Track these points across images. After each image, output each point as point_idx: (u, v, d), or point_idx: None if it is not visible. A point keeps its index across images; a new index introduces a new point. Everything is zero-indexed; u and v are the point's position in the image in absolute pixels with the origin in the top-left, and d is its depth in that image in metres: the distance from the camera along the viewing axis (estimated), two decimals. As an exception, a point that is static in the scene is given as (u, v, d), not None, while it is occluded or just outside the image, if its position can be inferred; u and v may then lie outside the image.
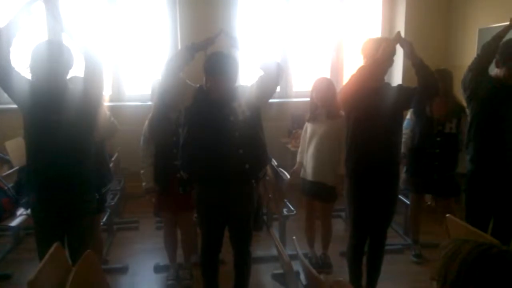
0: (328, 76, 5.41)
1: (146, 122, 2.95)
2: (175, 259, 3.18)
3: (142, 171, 2.93)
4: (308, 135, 3.26)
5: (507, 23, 2.59)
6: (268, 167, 3.55)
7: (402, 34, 2.47)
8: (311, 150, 3.21)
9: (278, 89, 5.21)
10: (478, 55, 2.64)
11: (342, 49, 5.46)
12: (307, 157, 3.25)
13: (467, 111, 2.86)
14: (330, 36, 5.44)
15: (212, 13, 4.86)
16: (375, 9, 5.54)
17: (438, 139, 3.22)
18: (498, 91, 2.59)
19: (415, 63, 2.40)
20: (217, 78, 2.32)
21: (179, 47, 4.94)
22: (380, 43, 2.43)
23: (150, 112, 2.98)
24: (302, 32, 5.37)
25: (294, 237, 2.07)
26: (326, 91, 3.12)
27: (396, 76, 5.39)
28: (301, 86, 5.34)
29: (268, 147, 4.10)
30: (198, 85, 2.43)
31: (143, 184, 2.92)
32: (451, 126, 3.20)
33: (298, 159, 3.38)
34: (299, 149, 3.38)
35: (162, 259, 3.32)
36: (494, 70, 2.67)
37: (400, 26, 5.34)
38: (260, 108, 2.47)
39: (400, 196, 3.76)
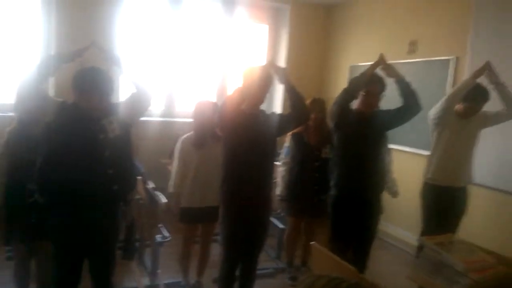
0: (214, 100, 5.50)
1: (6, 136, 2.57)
2: (26, 295, 2.77)
3: None
4: (190, 161, 3.05)
5: (372, 63, 2.85)
6: (142, 190, 3.37)
7: (283, 65, 2.63)
8: (201, 177, 3.03)
9: (162, 107, 5.16)
10: (344, 89, 2.84)
11: (228, 74, 5.54)
12: (193, 184, 3.05)
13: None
14: (217, 60, 5.50)
15: (92, 19, 4.56)
16: (261, 39, 5.80)
17: (317, 163, 3.36)
18: (357, 121, 2.83)
19: (287, 88, 2.51)
20: (86, 93, 2.16)
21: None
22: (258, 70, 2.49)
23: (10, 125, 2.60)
24: (189, 53, 5.33)
25: (159, 271, 1.93)
26: (211, 114, 3.02)
27: (276, 105, 5.66)
28: (185, 106, 5.26)
29: (147, 168, 3.90)
30: (61, 100, 2.21)
31: None
32: (326, 151, 3.37)
33: (175, 189, 3.08)
34: (176, 178, 3.09)
35: (11, 295, 2.88)
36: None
37: (282, 59, 5.66)
38: (131, 126, 2.34)
39: (272, 220, 3.85)
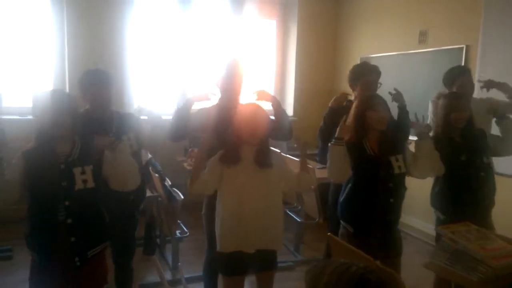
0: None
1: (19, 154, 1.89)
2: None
3: None
4: None
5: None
6: (160, 188, 3.44)
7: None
8: None
9: (175, 106, 5.21)
10: (330, 107, 2.86)
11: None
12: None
13: None
14: (227, 57, 5.53)
15: (103, 20, 4.67)
16: (270, 35, 5.82)
17: None
18: None
19: None
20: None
21: (66, 56, 4.63)
22: None
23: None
24: (201, 51, 5.39)
25: (179, 263, 1.99)
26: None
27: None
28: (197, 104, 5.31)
29: (163, 166, 3.98)
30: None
31: None
32: None
33: None
34: None
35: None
36: None
37: (292, 52, 5.68)
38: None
39: (290, 213, 3.90)
